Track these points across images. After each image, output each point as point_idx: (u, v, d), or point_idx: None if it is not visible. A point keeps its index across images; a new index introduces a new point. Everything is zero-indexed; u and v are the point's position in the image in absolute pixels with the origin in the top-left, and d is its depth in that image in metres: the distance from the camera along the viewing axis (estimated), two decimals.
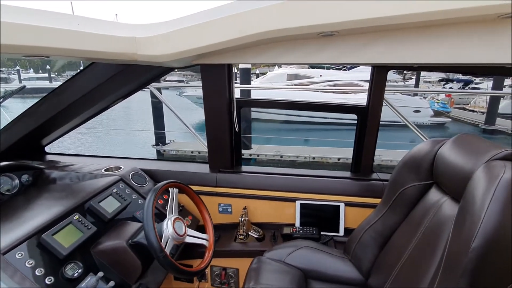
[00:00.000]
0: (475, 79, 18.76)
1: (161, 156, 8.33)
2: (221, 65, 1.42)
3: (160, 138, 8.48)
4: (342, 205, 1.48)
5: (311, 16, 0.99)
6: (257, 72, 21.24)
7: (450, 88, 20.76)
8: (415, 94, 13.80)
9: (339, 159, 7.91)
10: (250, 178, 1.63)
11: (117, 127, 11.20)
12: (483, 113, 13.23)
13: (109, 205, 1.22)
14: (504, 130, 11.48)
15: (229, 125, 1.57)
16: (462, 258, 0.65)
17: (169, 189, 1.16)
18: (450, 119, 13.42)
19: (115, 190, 1.30)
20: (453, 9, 1.00)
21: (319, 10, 0.96)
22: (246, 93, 9.02)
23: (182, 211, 1.53)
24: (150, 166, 1.67)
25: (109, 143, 10.04)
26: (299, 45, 1.24)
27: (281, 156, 8.84)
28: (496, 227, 0.62)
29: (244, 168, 1.74)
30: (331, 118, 11.20)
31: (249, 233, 1.53)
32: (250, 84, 9.64)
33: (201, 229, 1.28)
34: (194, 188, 1.34)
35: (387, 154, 7.86)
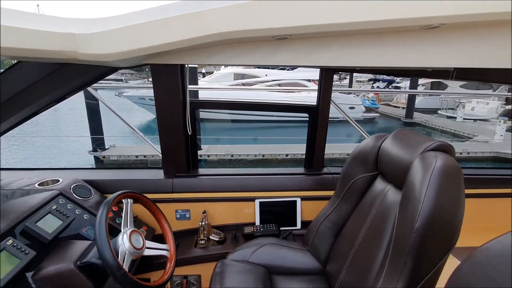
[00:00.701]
0: (396, 79, 21.55)
1: (100, 163, 7.56)
2: (173, 65, 1.36)
3: (98, 143, 7.66)
4: (298, 200, 1.57)
5: (267, 20, 1.01)
6: (203, 71, 20.81)
7: (378, 87, 23.46)
8: (349, 93, 15.19)
9: (287, 155, 8.25)
10: (208, 181, 1.60)
11: (44, 133, 9.77)
12: (403, 108, 15.29)
13: (49, 224, 1.07)
14: (420, 122, 13.51)
15: (183, 128, 1.51)
16: (408, 238, 0.75)
17: (123, 200, 1.07)
18: (378, 114, 15.14)
19: (54, 207, 1.14)
20: (387, 20, 1.14)
21: (274, 14, 0.99)
22: (193, 93, 8.78)
23: (135, 222, 1.43)
24: (93, 176, 1.51)
25: (37, 152, 8.71)
26: (254, 47, 1.26)
27: (232, 156, 8.87)
28: (433, 209, 0.73)
29: (201, 171, 1.70)
30: (277, 117, 11.63)
31: (210, 237, 1.51)
32: (197, 83, 9.41)
33: (158, 238, 1.21)
34: (149, 196, 1.26)
35: (329, 148, 8.52)
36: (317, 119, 1.60)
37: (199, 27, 0.98)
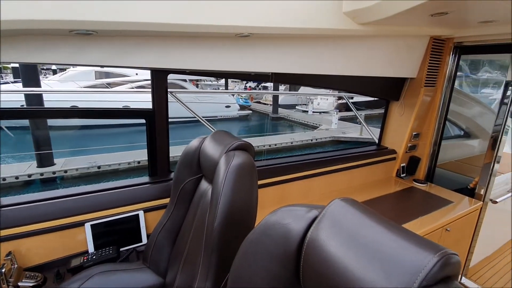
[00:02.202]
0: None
1: None
2: None
3: None
4: (141, 213, 1.44)
5: (63, 10, 0.84)
6: (53, 67, 16.75)
7: (250, 86, 25.76)
8: (233, 94, 16.00)
9: (139, 162, 7.65)
10: (16, 213, 1.23)
11: None
12: (271, 105, 17.46)
13: None
14: (283, 116, 15.84)
15: None
16: (211, 237, 0.78)
17: None
18: (251, 112, 16.65)
19: None
20: (202, 24, 1.17)
21: (74, 5, 0.83)
22: (35, 97, 6.93)
23: None
24: None
25: None
26: (58, 42, 1.05)
27: (99, 167, 7.63)
28: (228, 206, 0.78)
29: (4, 200, 1.29)
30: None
31: (20, 284, 1.17)
32: (39, 84, 7.45)
33: None
34: None
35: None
36: (154, 123, 1.51)
37: None
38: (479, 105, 2.27)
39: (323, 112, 16.42)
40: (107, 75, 13.14)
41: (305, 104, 17.96)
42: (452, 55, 2.20)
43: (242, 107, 16.90)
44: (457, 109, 2.31)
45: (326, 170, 2.06)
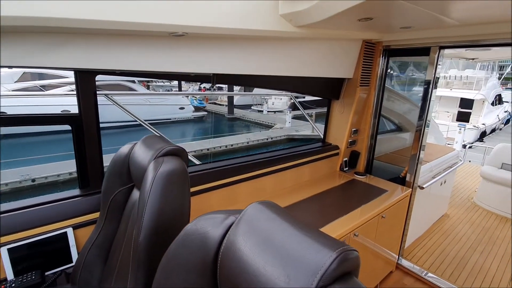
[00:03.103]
0: None
1: None
2: None
3: None
4: (69, 230, 1.29)
5: None
6: None
7: (204, 87, 25.28)
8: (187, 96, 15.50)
9: (70, 173, 6.98)
10: None
11: None
12: (226, 106, 17.38)
13: None
14: (239, 117, 15.88)
15: None
16: (136, 253, 0.72)
17: None
18: (206, 113, 16.37)
19: None
20: (131, 22, 1.09)
21: None
22: None
23: None
24: None
25: None
26: None
27: (34, 180, 6.77)
28: (155, 217, 0.73)
29: None
30: None
31: None
32: None
33: None
34: None
35: None
36: (82, 130, 1.37)
37: None
38: (408, 102, 2.52)
39: (278, 111, 16.88)
40: (41, 76, 11.73)
41: (260, 104, 18.25)
42: (382, 57, 2.41)
43: (197, 109, 16.52)
44: (390, 106, 2.55)
45: (275, 169, 2.10)
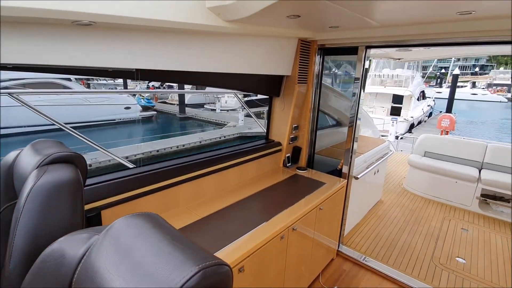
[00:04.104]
0: None
1: None
2: None
3: None
4: None
5: None
6: None
7: (153, 86, 23.98)
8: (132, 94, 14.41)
9: None
10: None
11: None
12: (178, 105, 16.72)
13: None
14: (192, 116, 15.42)
15: None
16: (8, 285, 0.60)
17: None
18: (155, 112, 15.54)
19: None
20: (24, 8, 0.92)
21: None
22: None
23: None
24: None
25: None
26: None
27: None
28: (28, 241, 0.58)
29: None
30: None
31: None
32: None
33: None
34: None
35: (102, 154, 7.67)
36: None
37: None
38: (344, 98, 2.68)
39: (231, 109, 16.81)
40: None
41: (213, 103, 17.97)
42: (318, 55, 2.52)
43: (145, 108, 15.57)
44: (328, 102, 2.68)
45: (217, 168, 2.04)
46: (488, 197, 3.60)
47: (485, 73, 40.88)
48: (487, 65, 43.84)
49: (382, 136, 6.55)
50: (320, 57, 2.54)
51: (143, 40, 1.41)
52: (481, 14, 1.49)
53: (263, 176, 2.40)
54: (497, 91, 32.71)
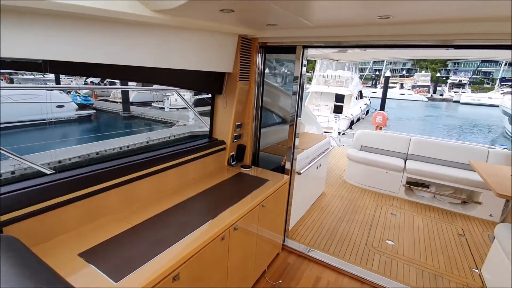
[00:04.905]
0: None
1: None
2: None
3: None
4: None
5: None
6: None
7: (92, 82, 21.77)
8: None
9: None
10: None
11: None
12: (121, 103, 15.47)
13: None
14: (137, 115, 14.40)
15: None
16: None
17: None
18: (95, 111, 14.17)
19: None
20: None
21: None
22: None
23: None
24: None
25: None
26: None
27: None
28: None
29: None
30: None
31: None
32: None
33: None
34: None
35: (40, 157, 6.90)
36: None
37: None
38: (288, 96, 2.74)
39: (181, 108, 16.17)
40: None
41: (162, 101, 17.08)
42: (259, 53, 2.53)
43: (83, 107, 14.07)
44: (271, 100, 2.71)
45: (154, 170, 1.91)
46: (411, 184, 4.08)
47: (411, 76, 46.81)
48: (412, 69, 50.18)
49: (326, 132, 6.97)
50: (262, 55, 2.56)
51: (54, 28, 1.23)
52: (399, 19, 1.63)
53: (206, 176, 2.32)
54: (420, 91, 37.73)
